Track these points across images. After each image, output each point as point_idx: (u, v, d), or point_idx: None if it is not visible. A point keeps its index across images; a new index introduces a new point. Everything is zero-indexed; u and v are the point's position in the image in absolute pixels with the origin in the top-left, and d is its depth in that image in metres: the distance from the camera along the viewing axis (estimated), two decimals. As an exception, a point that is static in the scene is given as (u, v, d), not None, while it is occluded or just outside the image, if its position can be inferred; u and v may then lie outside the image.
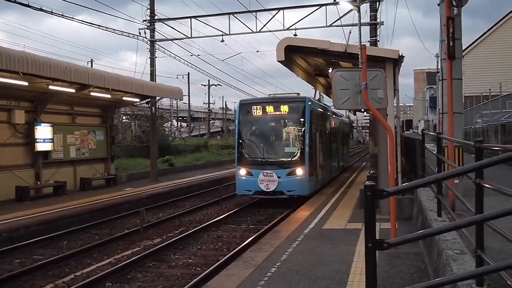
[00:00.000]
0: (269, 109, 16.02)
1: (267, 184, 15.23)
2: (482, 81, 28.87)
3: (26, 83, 14.46)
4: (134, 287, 8.24)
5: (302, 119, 15.85)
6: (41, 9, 17.41)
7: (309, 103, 16.21)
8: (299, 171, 15.37)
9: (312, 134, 16.02)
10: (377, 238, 2.98)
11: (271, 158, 15.91)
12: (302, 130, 15.79)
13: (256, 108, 16.12)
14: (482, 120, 24.85)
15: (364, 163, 31.67)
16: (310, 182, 15.67)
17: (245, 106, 16.60)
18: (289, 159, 15.78)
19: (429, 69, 72.52)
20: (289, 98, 16.98)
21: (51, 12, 18.21)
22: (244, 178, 15.91)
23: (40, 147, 17.28)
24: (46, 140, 17.50)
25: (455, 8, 9.08)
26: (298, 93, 17.65)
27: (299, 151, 15.72)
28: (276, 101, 16.40)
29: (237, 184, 16.35)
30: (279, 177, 15.19)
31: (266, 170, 15.35)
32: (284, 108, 15.94)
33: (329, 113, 21.63)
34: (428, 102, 67.00)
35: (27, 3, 16.64)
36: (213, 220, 13.82)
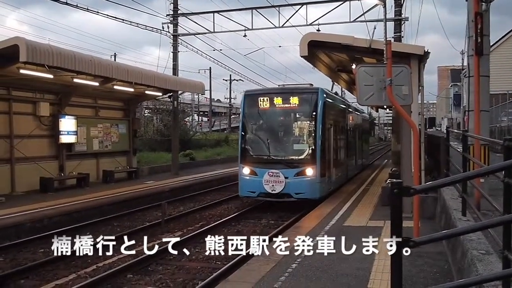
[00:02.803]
0: (277, 101, 14.39)
1: (272, 185, 13.72)
2: (508, 78, 28.30)
3: (51, 76, 14.67)
4: (155, 279, 8.32)
5: (314, 113, 14.21)
6: (66, 3, 17.63)
7: (323, 94, 14.56)
8: (309, 171, 13.83)
9: (325, 130, 14.38)
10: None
11: (278, 156, 14.40)
12: (314, 125, 14.16)
13: (263, 99, 14.48)
14: (508, 119, 24.40)
15: (386, 160, 31.35)
16: (321, 183, 14.12)
17: (251, 97, 15.01)
18: (298, 157, 14.23)
19: (453, 66, 71.30)
20: (300, 89, 15.29)
21: (76, 6, 18.44)
22: (247, 177, 14.47)
23: (64, 139, 17.54)
24: (70, 133, 17.76)
25: (483, 3, 8.89)
26: (311, 84, 15.97)
27: (310, 148, 14.18)
28: (285, 92, 14.88)
29: (239, 185, 14.89)
30: (286, 178, 13.68)
31: (272, 169, 13.80)
32: (294, 100, 14.33)
33: (345, 107, 19.91)
34: (452, 99, 65.90)
35: (53, -3, 16.87)
36: (233, 215, 13.86)
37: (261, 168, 14.10)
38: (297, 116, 14.74)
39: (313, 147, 14.08)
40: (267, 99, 14.44)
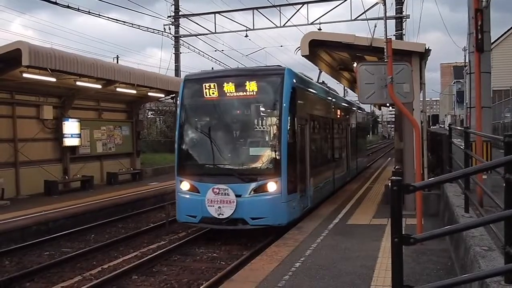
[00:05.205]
0: (228, 88, 10.61)
1: (219, 208, 9.96)
2: (511, 74, 28.26)
3: (54, 79, 14.73)
4: (159, 280, 8.35)
5: (277, 103, 10.47)
6: (68, 6, 17.72)
7: (291, 78, 10.71)
8: (272, 186, 10.05)
9: (295, 127, 10.73)
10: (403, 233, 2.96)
11: (227, 165, 10.78)
12: (278, 120, 10.37)
13: (209, 86, 10.68)
14: (511, 115, 24.34)
15: (389, 158, 31.30)
16: (290, 202, 10.29)
17: (192, 83, 11.22)
18: (256, 166, 10.52)
19: (456, 63, 71.28)
20: (260, 71, 11.59)
21: (78, 9, 18.53)
22: (186, 196, 10.66)
23: (68, 142, 17.61)
24: (73, 135, 17.82)
25: (483, 0, 8.89)
26: (279, 66, 11.97)
27: (273, 153, 10.37)
28: (238, 76, 11.03)
29: (177, 205, 11.07)
30: (238, 196, 9.95)
31: (219, 184, 10.04)
32: (251, 86, 10.49)
33: (331, 98, 15.91)
34: (455, 96, 65.90)
35: (54, 1, 16.95)
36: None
37: (204, 182, 10.41)
38: (255, 108, 10.88)
39: (278, 152, 10.28)
40: (214, 85, 10.69)
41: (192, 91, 11.13)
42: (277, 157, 10.24)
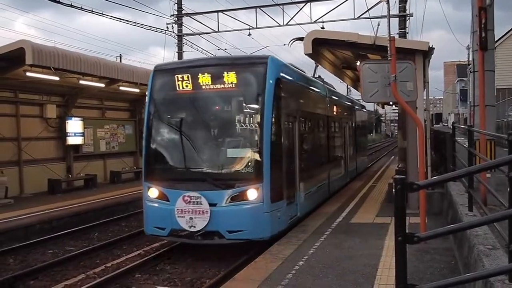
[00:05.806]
0: (203, 79, 9.19)
1: (191, 219, 8.60)
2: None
3: (57, 78, 14.76)
4: (163, 278, 8.36)
5: (259, 97, 9.07)
6: (71, 5, 17.72)
7: (276, 68, 9.32)
8: (252, 194, 8.67)
9: (281, 125, 9.35)
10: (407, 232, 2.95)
11: (200, 169, 9.35)
12: (260, 117, 8.97)
13: (182, 78, 9.31)
14: (515, 113, 24.30)
15: (392, 157, 31.23)
16: (275, 212, 8.90)
17: (163, 74, 9.88)
18: (234, 170, 9.10)
19: (459, 61, 71.06)
20: (239, 59, 10.32)
21: (81, 8, 18.53)
22: (154, 204, 9.30)
23: (71, 140, 17.66)
24: (77, 134, 17.87)
25: (487, -2, 8.88)
26: (264, 55, 10.83)
27: (254, 155, 8.97)
28: (215, 65, 9.70)
29: (144, 215, 9.68)
30: (213, 205, 8.59)
31: (190, 191, 8.68)
32: (229, 78, 9.09)
33: (325, 92, 14.44)
34: (459, 95, 65.74)
35: (57, 0, 16.96)
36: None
37: (174, 189, 9.04)
38: (235, 103, 9.51)
39: (260, 153, 8.86)
40: (187, 77, 9.30)
41: (162, 83, 9.77)
42: (259, 159, 8.82)
